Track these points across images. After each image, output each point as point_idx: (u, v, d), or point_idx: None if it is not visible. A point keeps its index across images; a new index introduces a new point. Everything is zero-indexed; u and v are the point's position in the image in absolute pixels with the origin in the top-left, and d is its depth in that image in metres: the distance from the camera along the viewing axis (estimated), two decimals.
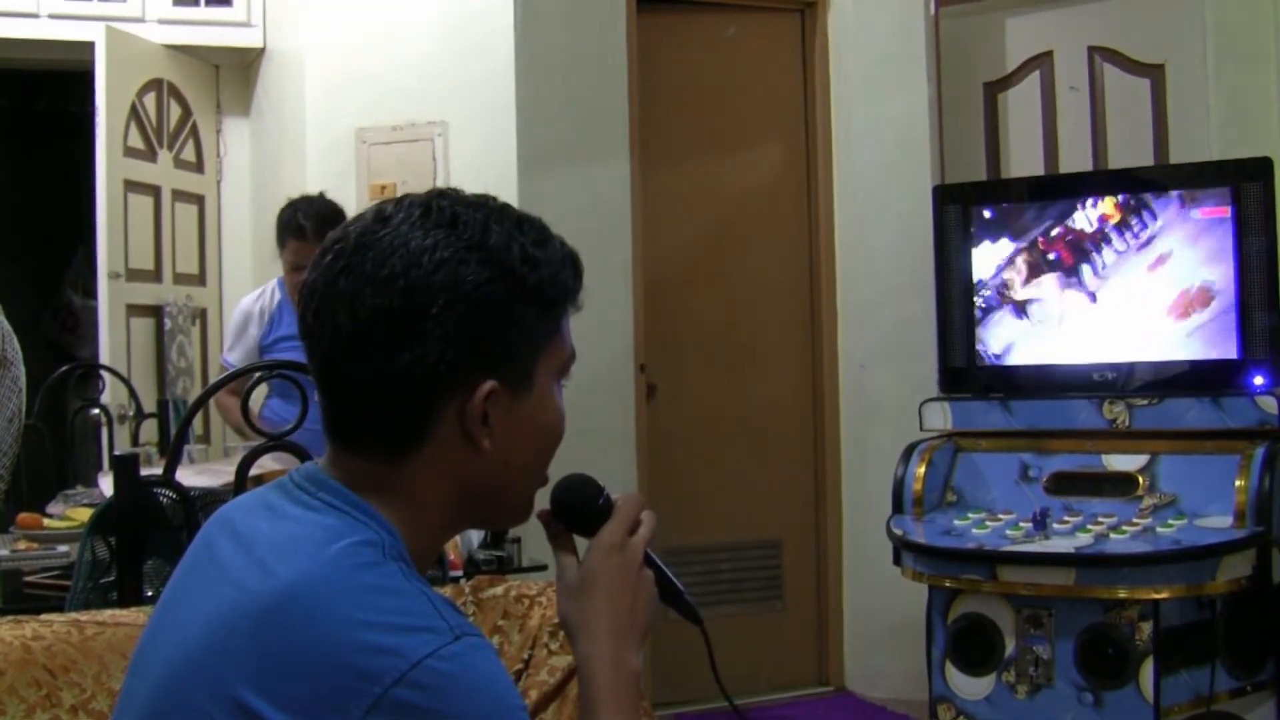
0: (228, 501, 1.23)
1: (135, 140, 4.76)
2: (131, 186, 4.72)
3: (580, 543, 1.24)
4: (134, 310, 4.72)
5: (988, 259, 3.52)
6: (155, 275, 4.86)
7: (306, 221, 3.55)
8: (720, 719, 4.09)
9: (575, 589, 1.19)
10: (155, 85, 4.87)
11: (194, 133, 5.10)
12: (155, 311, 4.83)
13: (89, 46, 4.58)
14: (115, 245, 4.60)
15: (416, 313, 1.06)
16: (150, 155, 4.85)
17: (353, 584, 1.02)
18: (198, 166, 5.13)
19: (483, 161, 4.19)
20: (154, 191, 4.86)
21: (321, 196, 3.67)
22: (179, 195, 5.00)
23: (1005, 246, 3.51)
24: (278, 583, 1.03)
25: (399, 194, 1.18)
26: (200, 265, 5.14)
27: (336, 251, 1.10)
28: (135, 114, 4.75)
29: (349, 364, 1.08)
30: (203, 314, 5.09)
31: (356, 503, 1.09)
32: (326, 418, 1.13)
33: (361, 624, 0.99)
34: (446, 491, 1.12)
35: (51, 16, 4.74)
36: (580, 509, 1.22)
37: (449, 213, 1.11)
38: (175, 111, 4.98)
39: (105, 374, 4.42)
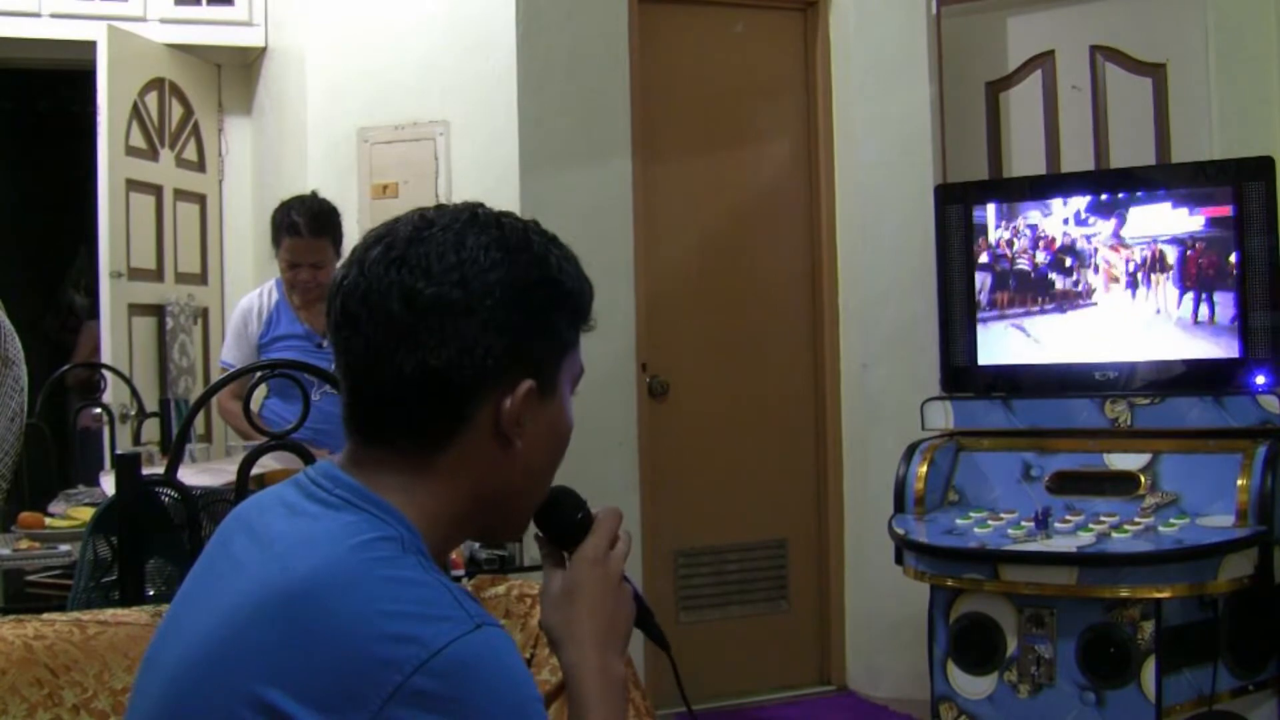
0: (231, 500, 1.23)
1: (137, 139, 4.76)
2: (133, 186, 4.73)
3: None
4: (136, 309, 4.72)
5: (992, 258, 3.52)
6: (157, 274, 4.87)
7: (300, 218, 3.60)
8: (718, 719, 4.09)
9: (559, 599, 1.21)
10: (157, 84, 4.87)
11: (196, 132, 5.11)
12: (157, 311, 4.84)
13: (91, 46, 4.59)
14: (117, 244, 4.61)
15: (471, 306, 1.09)
16: (152, 154, 4.85)
17: (371, 575, 1.03)
18: (199, 166, 5.14)
19: (484, 160, 4.19)
20: (156, 191, 4.87)
21: (314, 194, 3.71)
22: (181, 194, 5.01)
23: (1008, 245, 3.51)
24: (295, 576, 1.04)
25: (401, 194, 1.20)
26: (202, 264, 5.14)
27: (386, 244, 1.12)
28: (137, 113, 4.75)
29: (397, 353, 1.09)
30: (204, 313, 5.10)
31: (374, 499, 1.10)
32: (357, 409, 1.14)
33: (381, 614, 1.00)
34: (466, 490, 1.13)
35: (53, 16, 4.75)
36: (561, 522, 1.24)
37: (494, 218, 1.15)
38: (177, 111, 4.99)
39: (107, 373, 4.42)
